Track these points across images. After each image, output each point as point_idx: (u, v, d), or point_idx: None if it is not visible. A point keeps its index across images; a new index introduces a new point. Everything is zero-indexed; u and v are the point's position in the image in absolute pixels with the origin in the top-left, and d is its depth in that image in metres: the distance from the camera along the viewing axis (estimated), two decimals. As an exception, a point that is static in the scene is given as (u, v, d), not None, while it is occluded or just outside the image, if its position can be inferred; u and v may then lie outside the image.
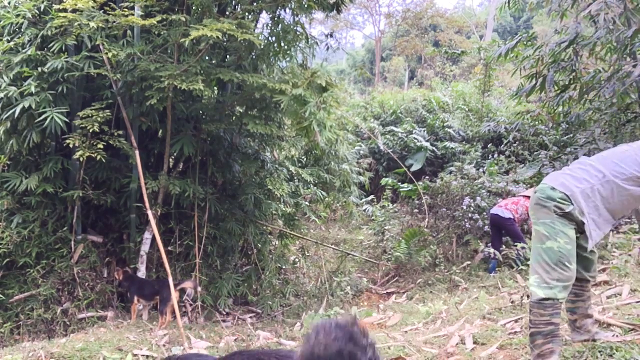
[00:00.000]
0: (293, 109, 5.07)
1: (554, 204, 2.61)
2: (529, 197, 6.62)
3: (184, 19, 4.94)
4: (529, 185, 7.94)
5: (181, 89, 4.91)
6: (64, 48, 5.13)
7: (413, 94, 15.52)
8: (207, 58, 5.88)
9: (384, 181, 10.30)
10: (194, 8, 5.55)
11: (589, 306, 2.95)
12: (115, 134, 5.32)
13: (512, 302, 4.29)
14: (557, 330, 2.60)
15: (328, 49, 7.32)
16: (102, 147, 5.09)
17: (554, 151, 8.69)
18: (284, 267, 7.37)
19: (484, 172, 8.76)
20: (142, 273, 5.67)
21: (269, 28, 5.92)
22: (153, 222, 5.24)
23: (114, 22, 4.94)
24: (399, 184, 9.94)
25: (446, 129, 12.06)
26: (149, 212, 5.20)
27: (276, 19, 5.86)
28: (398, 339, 3.88)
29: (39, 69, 5.09)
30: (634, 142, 2.88)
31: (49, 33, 5.08)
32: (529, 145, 9.79)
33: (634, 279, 4.49)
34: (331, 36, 7.52)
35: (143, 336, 4.70)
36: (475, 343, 3.44)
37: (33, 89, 4.90)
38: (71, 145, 5.08)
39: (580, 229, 2.66)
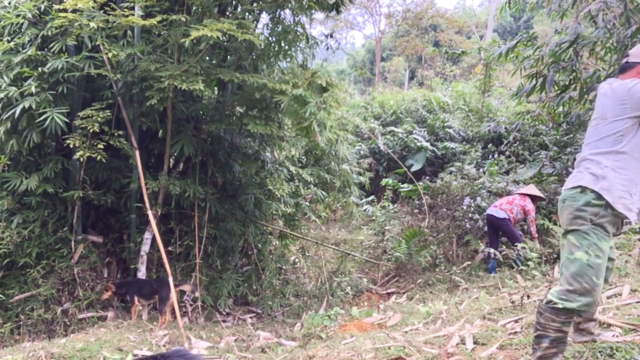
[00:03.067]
0: (293, 109, 5.07)
1: (590, 210, 2.47)
2: (524, 195, 6.65)
3: (184, 19, 4.94)
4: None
5: (181, 89, 4.91)
6: (64, 48, 5.13)
7: (413, 94, 15.53)
8: (207, 58, 5.88)
9: (384, 181, 10.30)
10: (194, 8, 5.55)
11: (594, 310, 2.94)
12: (115, 134, 5.32)
13: (512, 302, 4.29)
14: (564, 338, 2.57)
15: (328, 49, 7.33)
16: (102, 147, 5.10)
17: (554, 151, 8.68)
18: (284, 267, 7.37)
19: (484, 172, 8.76)
20: (142, 273, 5.67)
21: (269, 28, 5.93)
22: (153, 222, 5.24)
23: (114, 22, 4.94)
24: (399, 184, 9.95)
25: (446, 129, 12.07)
26: (149, 212, 5.20)
27: (276, 19, 5.86)
28: (398, 339, 3.87)
29: (39, 69, 5.09)
30: None
31: (49, 33, 5.08)
32: (529, 145, 9.79)
33: (634, 279, 4.48)
34: (331, 36, 7.52)
35: (143, 336, 4.69)
36: (475, 343, 3.44)
37: (33, 89, 4.90)
38: (71, 145, 5.08)
39: (619, 225, 2.55)
